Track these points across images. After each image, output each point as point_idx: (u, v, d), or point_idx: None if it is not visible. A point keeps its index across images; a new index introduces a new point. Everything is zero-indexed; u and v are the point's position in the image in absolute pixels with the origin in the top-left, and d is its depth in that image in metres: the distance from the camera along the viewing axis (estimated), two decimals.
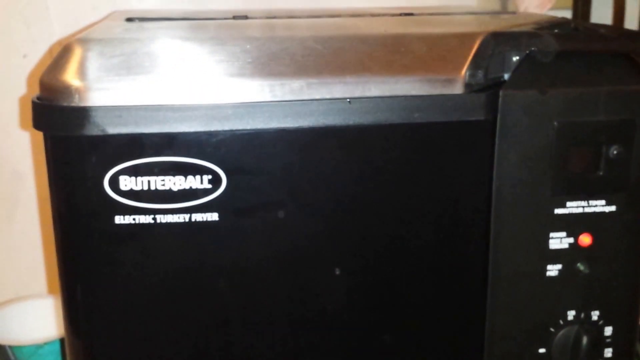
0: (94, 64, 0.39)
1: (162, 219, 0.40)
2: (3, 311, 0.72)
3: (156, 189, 0.40)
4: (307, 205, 0.41)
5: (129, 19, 0.52)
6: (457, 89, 0.41)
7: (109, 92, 0.38)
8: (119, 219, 0.40)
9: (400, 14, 0.57)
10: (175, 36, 0.43)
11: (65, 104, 0.38)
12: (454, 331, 0.45)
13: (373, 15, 0.57)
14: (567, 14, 0.81)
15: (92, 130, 0.38)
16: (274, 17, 0.54)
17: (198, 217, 0.40)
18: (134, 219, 0.40)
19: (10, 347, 0.65)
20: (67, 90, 0.38)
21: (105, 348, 0.43)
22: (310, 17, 0.55)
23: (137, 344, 0.42)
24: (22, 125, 0.75)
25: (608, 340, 0.47)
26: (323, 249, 0.42)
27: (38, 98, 0.40)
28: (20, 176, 0.77)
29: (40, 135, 0.40)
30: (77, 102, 0.38)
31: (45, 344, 0.66)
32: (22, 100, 0.75)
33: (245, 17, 0.54)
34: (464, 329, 0.45)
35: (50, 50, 0.74)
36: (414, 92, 0.41)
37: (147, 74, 0.39)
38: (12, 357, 0.65)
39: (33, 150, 0.76)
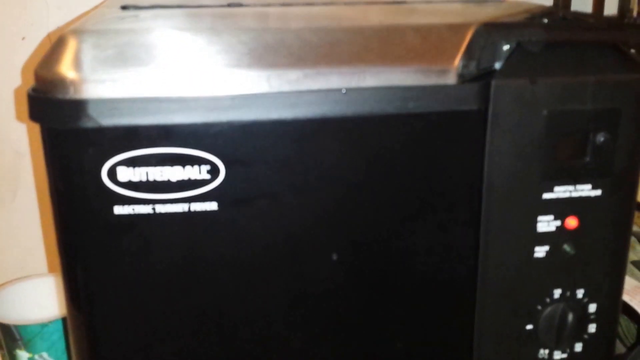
0: (89, 56, 0.37)
1: (161, 208, 0.39)
2: (7, 290, 0.71)
3: (155, 180, 0.38)
4: (305, 195, 0.40)
5: (124, 7, 0.49)
6: (450, 79, 0.40)
7: (105, 84, 0.36)
8: (118, 210, 0.38)
9: (393, 2, 0.55)
10: (171, 26, 0.41)
11: (60, 96, 0.36)
12: (445, 309, 0.44)
13: (366, 2, 0.54)
14: None
15: (88, 123, 0.36)
16: (269, 5, 0.52)
17: (197, 206, 0.39)
18: (133, 209, 0.39)
19: (15, 326, 0.64)
20: (62, 83, 0.36)
21: (106, 330, 0.41)
22: (305, 5, 0.53)
23: (138, 330, 0.41)
24: (18, 117, 0.72)
25: (592, 316, 0.46)
26: (320, 237, 0.41)
27: (33, 90, 0.38)
28: (21, 157, 0.75)
29: None
30: (72, 94, 0.36)
31: (50, 322, 0.64)
32: (17, 92, 0.72)
33: (240, 5, 0.52)
34: (455, 307, 0.45)
35: (49, 36, 0.71)
36: (408, 83, 0.39)
37: (143, 65, 0.37)
38: (17, 336, 0.64)
39: (29, 131, 0.74)
